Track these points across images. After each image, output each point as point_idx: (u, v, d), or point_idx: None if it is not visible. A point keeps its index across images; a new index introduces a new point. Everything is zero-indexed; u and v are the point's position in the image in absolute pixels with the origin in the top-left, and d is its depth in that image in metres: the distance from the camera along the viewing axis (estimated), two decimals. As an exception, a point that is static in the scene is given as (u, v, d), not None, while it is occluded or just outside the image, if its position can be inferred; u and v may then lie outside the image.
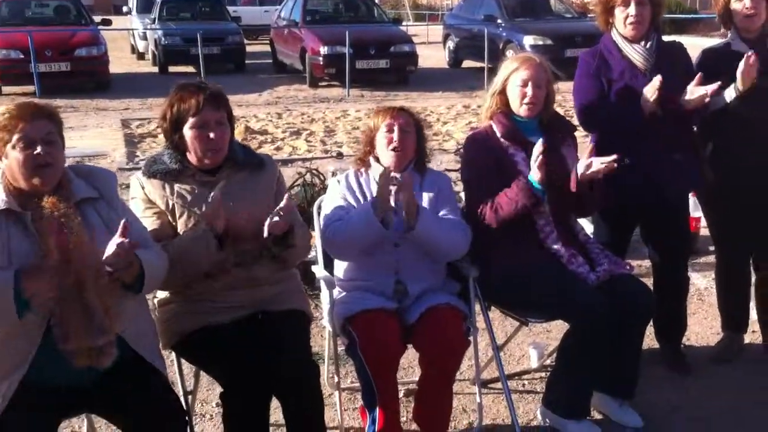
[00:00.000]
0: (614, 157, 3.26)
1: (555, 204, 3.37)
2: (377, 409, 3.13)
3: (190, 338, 2.97)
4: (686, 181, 3.82)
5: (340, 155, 8.76)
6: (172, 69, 17.26)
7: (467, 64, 18.34)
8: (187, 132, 2.97)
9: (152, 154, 3.16)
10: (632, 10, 3.60)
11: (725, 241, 4.07)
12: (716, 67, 3.76)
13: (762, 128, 3.73)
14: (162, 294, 3.11)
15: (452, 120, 11.53)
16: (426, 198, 3.33)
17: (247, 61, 18.09)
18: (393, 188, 3.17)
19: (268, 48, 19.57)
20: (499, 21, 16.48)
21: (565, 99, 3.58)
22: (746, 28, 3.76)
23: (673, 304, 3.95)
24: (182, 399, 3.05)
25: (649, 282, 3.73)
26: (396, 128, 3.30)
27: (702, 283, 5.10)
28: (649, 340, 3.90)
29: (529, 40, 15.18)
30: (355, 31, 14.88)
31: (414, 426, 3.41)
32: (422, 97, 13.90)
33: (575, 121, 3.80)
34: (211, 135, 2.96)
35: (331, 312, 3.30)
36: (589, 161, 3.29)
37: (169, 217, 2.98)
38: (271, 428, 2.96)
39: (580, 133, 3.70)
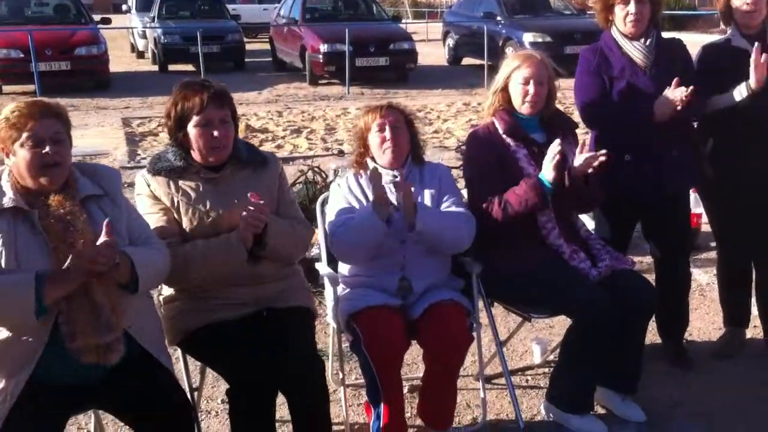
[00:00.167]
0: (604, 152, 3.27)
1: (557, 200, 3.39)
2: (382, 404, 3.15)
3: (196, 335, 2.99)
4: (687, 178, 3.83)
5: (341, 153, 8.78)
6: (171, 67, 17.27)
7: (467, 61, 18.35)
8: (192, 130, 2.99)
9: (157, 152, 3.17)
10: (632, 7, 3.62)
11: (726, 237, 4.08)
12: (717, 64, 3.78)
13: (764, 125, 3.74)
14: (167, 291, 3.13)
15: (452, 117, 11.54)
16: (428, 193, 3.34)
17: (246, 60, 18.10)
18: (391, 185, 3.19)
19: (267, 46, 19.57)
20: (498, 18, 16.48)
21: (565, 96, 3.60)
22: (746, 24, 3.77)
23: (675, 300, 3.97)
24: (188, 396, 3.06)
25: (650, 278, 3.74)
26: (387, 126, 3.32)
27: (704, 278, 5.12)
28: (652, 335, 3.91)
29: (528, 37, 15.19)
30: (355, 28, 14.88)
31: (418, 421, 3.43)
32: (422, 95, 13.91)
33: (575, 118, 3.81)
34: (215, 133, 2.97)
35: (335, 308, 3.32)
36: (581, 158, 3.29)
37: (174, 214, 3.00)
38: (276, 424, 2.97)
39: (580, 130, 3.71)
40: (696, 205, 4.54)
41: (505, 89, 3.48)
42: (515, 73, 3.43)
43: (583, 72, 3.77)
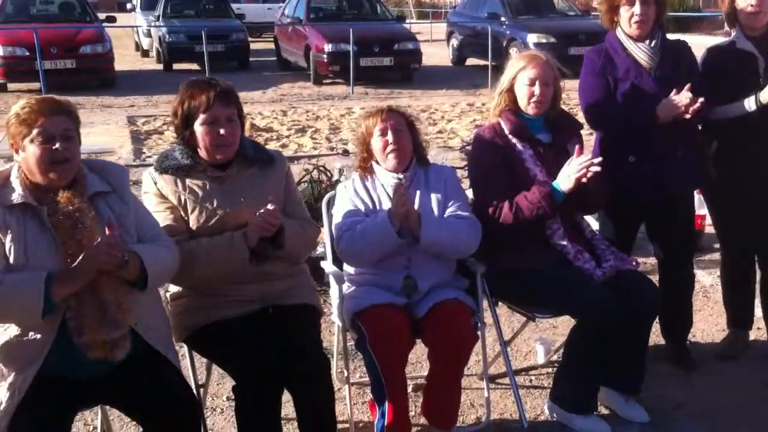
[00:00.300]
0: (598, 160, 3.26)
1: (562, 202, 3.40)
2: (386, 403, 3.16)
3: (202, 332, 3.01)
4: (691, 179, 3.84)
5: (346, 152, 8.79)
6: (176, 66, 17.29)
7: (471, 61, 18.34)
8: (198, 128, 3.01)
9: (164, 150, 3.19)
10: (637, 9, 3.62)
11: (730, 239, 4.09)
12: (721, 66, 3.79)
13: (768, 126, 3.75)
14: (174, 288, 3.15)
15: (456, 118, 11.55)
16: (434, 197, 3.35)
17: (251, 59, 18.11)
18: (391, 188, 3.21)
19: (271, 45, 19.59)
20: (502, 19, 16.49)
21: (569, 97, 3.61)
22: (751, 26, 3.78)
23: (679, 301, 3.97)
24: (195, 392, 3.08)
25: (654, 279, 3.75)
26: (389, 131, 3.33)
27: (707, 280, 5.13)
28: (655, 336, 3.92)
29: (532, 38, 15.20)
30: (359, 28, 14.89)
31: (422, 420, 3.44)
32: (426, 95, 13.92)
33: (579, 119, 3.82)
34: (222, 131, 2.99)
35: (340, 307, 3.33)
36: (581, 164, 3.27)
37: (181, 213, 3.02)
38: (281, 422, 2.99)
39: (584, 131, 3.72)
40: (700, 206, 4.55)
41: (510, 90, 3.49)
42: (521, 74, 3.44)
43: (588, 73, 3.78)
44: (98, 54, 14.41)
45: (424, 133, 3.56)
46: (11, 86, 14.30)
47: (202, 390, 3.33)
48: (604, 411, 3.58)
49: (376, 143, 3.35)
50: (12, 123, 2.62)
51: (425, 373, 3.46)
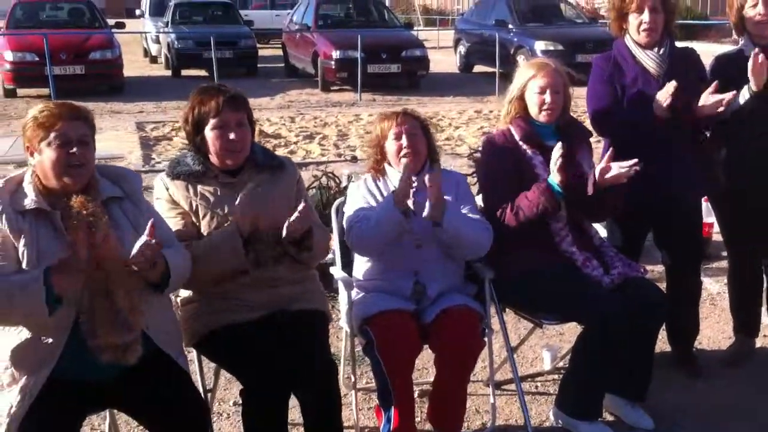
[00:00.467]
0: (635, 161, 3.29)
1: (570, 208, 3.42)
2: (392, 408, 3.18)
3: (212, 337, 3.03)
4: (698, 187, 3.85)
5: (354, 159, 8.83)
6: (184, 72, 17.35)
7: (478, 68, 18.38)
8: (208, 133, 3.04)
9: (175, 156, 3.22)
10: (646, 16, 3.64)
11: (737, 247, 4.10)
12: (729, 74, 3.79)
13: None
14: (184, 293, 3.17)
15: (464, 125, 11.58)
16: (448, 200, 3.37)
17: (259, 65, 18.16)
18: (413, 187, 3.23)
19: (279, 52, 19.63)
20: (510, 26, 16.51)
21: (576, 104, 3.63)
22: (759, 34, 3.79)
23: (686, 309, 3.98)
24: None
25: (662, 286, 3.76)
26: (404, 134, 3.35)
27: (714, 287, 5.13)
28: (662, 343, 3.93)
29: (540, 46, 15.22)
30: (367, 35, 14.94)
31: (428, 426, 3.46)
32: (433, 102, 13.95)
33: (588, 126, 3.84)
34: (231, 136, 3.02)
35: (349, 312, 3.35)
36: (607, 166, 3.32)
37: (193, 218, 3.04)
38: (288, 427, 3.00)
39: (594, 138, 3.74)
40: (708, 214, 4.56)
41: (521, 98, 3.51)
42: (531, 83, 3.47)
43: (596, 80, 3.80)
44: (107, 60, 14.50)
45: (436, 138, 3.59)
46: (20, 91, 14.37)
47: (209, 395, 3.35)
48: (609, 417, 3.58)
49: (391, 146, 3.38)
50: (29, 126, 2.65)
51: (431, 379, 3.48)
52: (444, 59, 20.11)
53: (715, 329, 4.58)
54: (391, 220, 3.18)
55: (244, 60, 17.47)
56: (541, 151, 3.47)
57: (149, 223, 2.58)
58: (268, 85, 16.06)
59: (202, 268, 2.94)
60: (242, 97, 3.13)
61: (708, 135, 3.92)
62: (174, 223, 3.01)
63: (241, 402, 2.98)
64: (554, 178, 3.30)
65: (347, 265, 3.55)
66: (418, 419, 3.43)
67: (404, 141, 3.34)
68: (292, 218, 2.96)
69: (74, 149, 2.62)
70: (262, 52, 19.36)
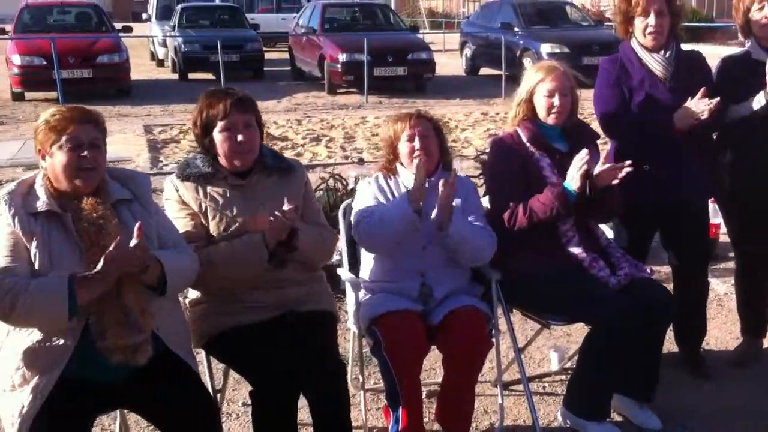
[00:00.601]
0: (628, 162, 3.31)
1: (577, 210, 3.43)
2: (401, 408, 3.19)
3: (221, 338, 3.05)
4: (705, 188, 3.86)
5: (361, 161, 8.86)
6: (191, 76, 17.40)
7: (484, 71, 18.38)
8: (217, 136, 3.07)
9: (185, 158, 3.25)
10: (652, 20, 3.65)
11: (744, 248, 4.10)
12: (736, 76, 3.81)
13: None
14: (193, 294, 3.19)
15: (470, 127, 11.59)
16: (455, 203, 3.38)
17: (265, 68, 18.19)
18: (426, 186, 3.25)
19: (286, 55, 19.69)
20: (516, 29, 16.52)
21: (583, 107, 3.65)
22: (765, 36, 3.80)
23: (693, 310, 3.99)
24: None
25: (669, 287, 3.77)
26: (417, 136, 3.38)
27: (722, 288, 5.14)
28: (669, 344, 3.94)
29: (546, 48, 15.23)
30: (373, 38, 14.97)
31: (436, 426, 3.48)
32: (439, 105, 13.96)
33: (595, 128, 3.85)
34: (240, 137, 3.05)
35: (356, 313, 3.37)
36: (604, 167, 3.34)
37: (202, 219, 3.07)
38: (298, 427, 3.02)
39: (600, 140, 3.75)
40: (714, 215, 4.56)
41: (529, 101, 3.53)
42: (540, 86, 3.48)
43: (603, 83, 3.81)
44: (115, 63, 14.53)
45: (449, 140, 3.61)
46: (28, 95, 14.42)
47: (219, 395, 3.37)
48: (617, 418, 3.59)
49: (403, 148, 3.40)
50: (41, 129, 2.68)
51: (439, 380, 3.49)
52: (450, 62, 20.14)
53: (723, 330, 4.59)
54: (405, 219, 3.20)
55: (250, 63, 17.51)
56: (548, 152, 3.49)
57: (136, 226, 2.58)
58: (274, 88, 16.09)
59: (220, 273, 2.96)
60: (250, 100, 3.16)
61: (714, 137, 3.93)
62: (183, 225, 3.03)
63: (250, 402, 3.00)
64: (572, 185, 3.32)
65: (354, 267, 3.57)
66: (426, 419, 3.45)
67: (417, 143, 3.36)
68: (275, 219, 2.95)
69: (85, 152, 2.64)
70: (268, 56, 19.42)
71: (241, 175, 3.12)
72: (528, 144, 3.50)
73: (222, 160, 3.11)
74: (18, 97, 14.38)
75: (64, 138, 2.64)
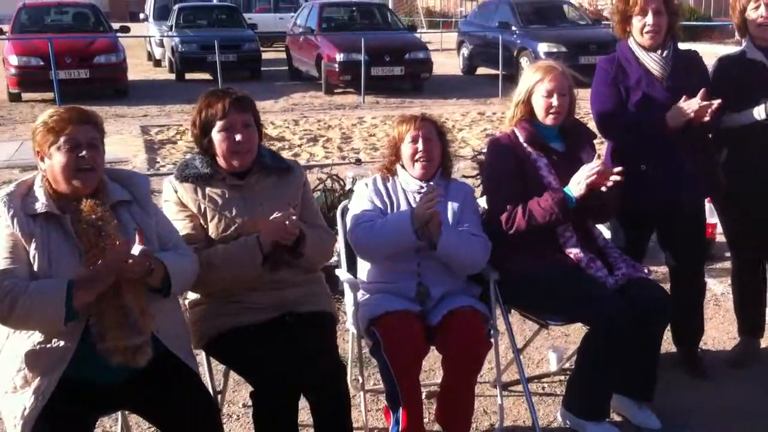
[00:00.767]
0: (618, 169, 3.31)
1: (574, 210, 3.44)
2: (401, 409, 3.19)
3: (220, 339, 3.05)
4: (702, 188, 3.87)
5: (358, 161, 8.85)
6: (188, 76, 17.39)
7: (481, 71, 18.39)
8: (215, 135, 3.07)
9: (184, 159, 3.25)
10: (649, 19, 3.66)
11: (741, 247, 4.11)
12: (732, 76, 3.82)
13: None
14: (192, 295, 3.19)
15: (467, 127, 11.60)
16: (450, 208, 3.40)
17: (262, 68, 18.19)
18: (415, 194, 3.27)
19: (283, 55, 19.70)
20: (513, 28, 16.53)
21: (580, 106, 3.67)
22: (761, 36, 3.81)
23: (690, 310, 3.99)
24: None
25: (666, 287, 3.78)
26: (421, 139, 3.38)
27: (719, 288, 5.15)
28: (667, 344, 3.95)
29: (543, 48, 15.24)
30: (371, 38, 14.97)
31: (436, 427, 3.48)
32: (437, 104, 13.97)
33: (590, 127, 3.86)
34: (238, 137, 3.05)
35: (355, 314, 3.37)
36: (593, 170, 3.33)
37: (201, 221, 3.07)
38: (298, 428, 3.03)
39: (597, 140, 3.76)
40: (711, 215, 4.58)
41: (527, 101, 3.53)
42: (538, 86, 3.48)
43: (600, 83, 3.82)
44: (112, 64, 14.52)
45: (451, 145, 3.62)
46: (25, 96, 14.41)
47: (219, 396, 3.38)
48: (616, 418, 3.60)
49: (406, 149, 3.41)
50: (39, 131, 2.68)
51: (439, 380, 3.50)
52: (447, 61, 20.15)
53: (720, 330, 4.60)
54: (403, 236, 3.23)
55: (247, 63, 17.51)
56: (545, 152, 3.50)
57: (137, 231, 2.59)
58: (271, 88, 16.08)
59: (217, 275, 2.97)
60: (248, 99, 3.17)
61: (710, 137, 3.94)
62: (182, 226, 3.04)
63: (250, 404, 3.00)
64: (575, 191, 3.33)
65: (352, 267, 3.58)
66: (426, 420, 3.45)
67: (420, 145, 3.37)
68: (279, 225, 2.97)
69: (84, 152, 2.64)
70: (265, 56, 19.40)
71: (240, 175, 3.12)
72: (525, 144, 3.51)
73: (220, 161, 3.11)
74: (15, 98, 14.37)
75: (62, 139, 2.64)
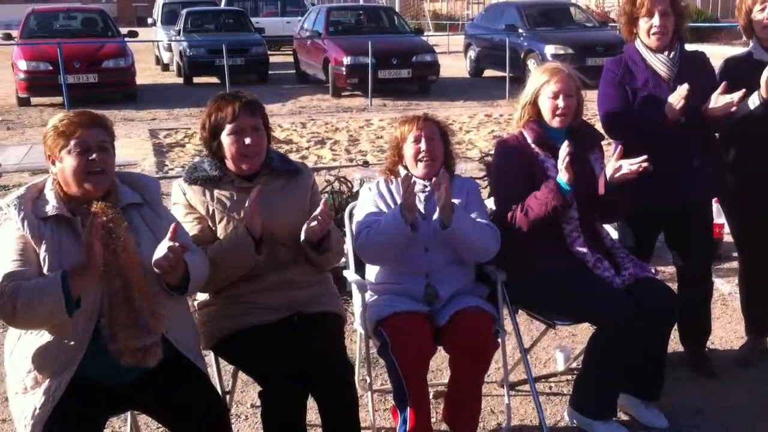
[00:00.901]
0: (644, 157, 3.33)
1: (582, 210, 3.45)
2: (408, 408, 3.21)
3: (229, 339, 3.08)
4: (709, 188, 3.88)
5: (366, 164, 8.89)
6: (196, 80, 17.46)
7: (488, 73, 18.42)
8: (225, 139, 3.10)
9: (193, 162, 3.28)
10: (656, 20, 3.67)
11: (747, 247, 4.12)
12: (738, 76, 3.82)
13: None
14: (201, 296, 3.22)
15: (474, 129, 11.61)
16: (456, 203, 3.41)
17: (270, 72, 18.26)
18: (420, 195, 3.28)
19: (290, 59, 19.76)
20: (520, 30, 16.55)
21: (587, 107, 3.68)
22: (766, 38, 3.82)
23: (698, 309, 4.01)
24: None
25: (673, 287, 3.79)
26: (423, 138, 3.41)
27: (726, 288, 5.16)
28: (674, 343, 3.96)
29: (550, 50, 15.25)
30: (378, 41, 15.01)
31: (444, 426, 3.50)
32: (444, 107, 13.98)
33: (599, 128, 3.87)
34: (247, 141, 3.08)
35: (363, 314, 3.40)
36: (618, 164, 3.37)
37: (209, 223, 3.10)
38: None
39: (605, 141, 3.77)
40: (718, 215, 4.58)
41: (534, 103, 3.55)
42: (544, 88, 3.50)
43: (607, 83, 3.83)
44: (120, 68, 14.62)
45: (454, 144, 3.64)
46: (34, 100, 14.51)
47: (228, 397, 3.40)
48: (623, 417, 3.61)
49: (409, 149, 3.43)
50: (50, 135, 2.71)
51: (446, 381, 3.52)
52: (454, 64, 20.17)
53: (728, 329, 4.60)
54: (398, 232, 3.24)
55: (255, 67, 17.60)
56: (553, 154, 3.50)
57: (172, 226, 2.63)
58: (279, 91, 16.14)
59: (217, 269, 2.99)
60: (258, 103, 3.19)
61: (717, 137, 3.95)
62: (191, 228, 3.07)
63: (259, 404, 3.02)
64: (562, 177, 3.34)
65: (360, 269, 3.60)
66: (433, 420, 3.46)
67: (423, 145, 3.39)
68: (312, 222, 3.01)
69: (94, 156, 2.67)
70: (273, 59, 19.48)
71: (248, 178, 3.15)
72: (533, 145, 3.52)
73: (229, 164, 3.14)
74: (24, 103, 14.46)
75: (72, 142, 2.67)
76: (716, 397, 3.82)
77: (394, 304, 3.30)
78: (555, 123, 3.51)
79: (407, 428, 3.23)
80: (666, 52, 3.73)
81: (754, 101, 3.67)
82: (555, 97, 3.48)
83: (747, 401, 3.79)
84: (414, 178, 3.34)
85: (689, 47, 3.87)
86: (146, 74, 18.90)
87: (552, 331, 4.08)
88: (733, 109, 3.55)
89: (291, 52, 19.95)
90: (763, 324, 4.20)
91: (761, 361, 4.14)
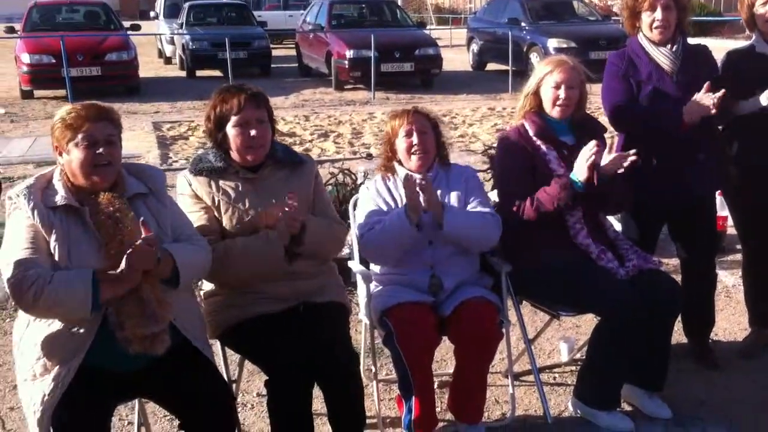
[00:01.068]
0: (633, 151, 3.35)
1: (585, 201, 3.47)
2: (413, 398, 3.23)
3: (236, 329, 3.10)
4: (713, 181, 3.89)
5: (369, 156, 8.90)
6: (199, 73, 17.48)
7: (491, 66, 18.42)
8: (230, 130, 3.12)
9: (198, 154, 3.30)
10: (658, 14, 3.68)
11: (751, 239, 4.13)
12: (741, 70, 3.83)
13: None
14: (207, 286, 3.25)
15: (477, 122, 11.62)
16: (455, 195, 3.44)
17: (272, 65, 18.26)
18: (417, 189, 3.30)
19: (293, 52, 19.76)
20: (523, 24, 16.56)
21: (589, 101, 3.69)
22: (769, 31, 3.84)
23: (701, 301, 4.02)
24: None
25: (677, 279, 3.80)
26: (414, 132, 3.42)
27: (730, 280, 5.17)
28: (678, 335, 3.97)
29: (553, 43, 15.27)
30: (380, 34, 15.00)
31: (448, 416, 3.52)
32: (446, 100, 14.00)
33: (603, 121, 3.88)
34: (253, 132, 3.10)
35: (367, 305, 3.41)
36: (610, 157, 3.38)
37: (215, 213, 3.12)
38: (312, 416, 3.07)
39: (608, 134, 3.78)
40: (722, 207, 4.59)
41: (536, 93, 3.57)
42: (547, 78, 3.52)
43: (611, 77, 3.83)
44: (123, 61, 14.61)
45: (446, 136, 3.65)
46: (37, 93, 14.52)
47: (234, 385, 3.42)
48: (627, 407, 3.63)
49: (401, 144, 3.44)
50: (57, 127, 2.74)
51: (450, 371, 3.54)
52: (457, 57, 20.17)
53: (731, 321, 4.62)
54: (403, 232, 3.26)
55: (258, 60, 17.61)
56: (555, 146, 3.53)
57: (140, 221, 2.63)
58: (282, 84, 16.15)
59: (236, 267, 3.03)
60: (263, 95, 3.21)
61: (720, 130, 3.96)
62: (197, 218, 3.09)
63: (265, 393, 3.04)
64: (579, 176, 3.36)
65: (365, 259, 3.62)
66: (438, 409, 3.49)
67: (414, 139, 3.41)
68: (284, 215, 3.02)
69: (101, 149, 2.70)
70: (275, 53, 19.49)
71: (253, 169, 3.17)
72: (535, 138, 3.54)
73: (234, 155, 3.16)
74: (27, 95, 14.48)
75: (80, 136, 2.69)
76: (719, 388, 3.84)
77: (399, 294, 3.31)
78: (555, 113, 3.52)
79: (412, 417, 3.25)
80: (669, 46, 3.74)
81: (764, 100, 3.67)
82: (557, 87, 3.49)
83: (750, 393, 3.80)
84: (414, 176, 3.35)
85: (692, 41, 3.87)
86: (149, 67, 18.89)
87: (556, 322, 4.10)
88: (713, 111, 3.55)
89: (293, 46, 19.96)
90: (767, 316, 4.21)
91: (764, 352, 4.16)
